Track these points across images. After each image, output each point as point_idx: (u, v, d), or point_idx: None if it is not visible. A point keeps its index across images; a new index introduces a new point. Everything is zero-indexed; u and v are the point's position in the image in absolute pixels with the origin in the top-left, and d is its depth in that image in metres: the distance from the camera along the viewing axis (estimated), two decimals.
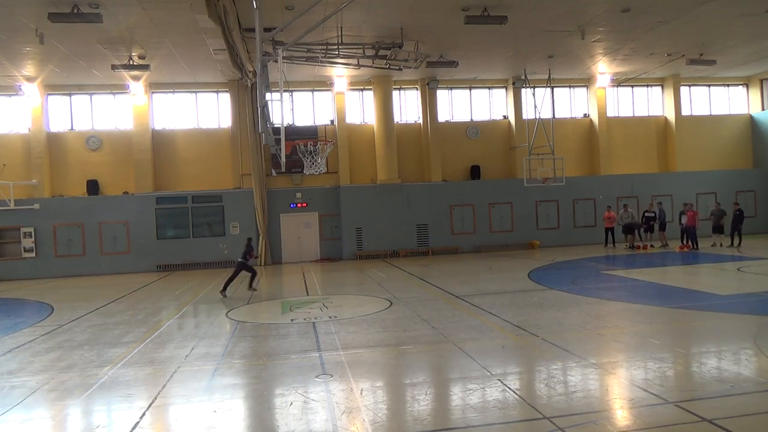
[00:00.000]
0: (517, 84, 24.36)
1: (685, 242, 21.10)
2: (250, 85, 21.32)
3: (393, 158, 23.64)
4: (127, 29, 16.16)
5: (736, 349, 7.38)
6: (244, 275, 14.70)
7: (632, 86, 26.31)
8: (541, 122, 23.64)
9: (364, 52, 18.23)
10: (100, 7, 14.14)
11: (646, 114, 26.71)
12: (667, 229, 22.36)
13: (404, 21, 16.60)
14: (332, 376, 6.82)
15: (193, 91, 23.58)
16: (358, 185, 23.78)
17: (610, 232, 22.84)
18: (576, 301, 11.28)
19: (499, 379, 6.47)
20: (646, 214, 21.99)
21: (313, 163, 16.44)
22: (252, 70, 18.30)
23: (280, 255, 23.28)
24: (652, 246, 21.70)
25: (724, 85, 27.26)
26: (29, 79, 20.98)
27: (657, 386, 5.96)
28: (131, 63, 18.93)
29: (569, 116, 26.00)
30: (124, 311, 12.67)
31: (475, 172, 24.83)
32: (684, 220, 20.99)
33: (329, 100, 24.19)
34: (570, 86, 25.91)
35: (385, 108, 23.48)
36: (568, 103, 26.09)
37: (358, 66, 19.25)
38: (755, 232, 25.18)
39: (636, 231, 21.92)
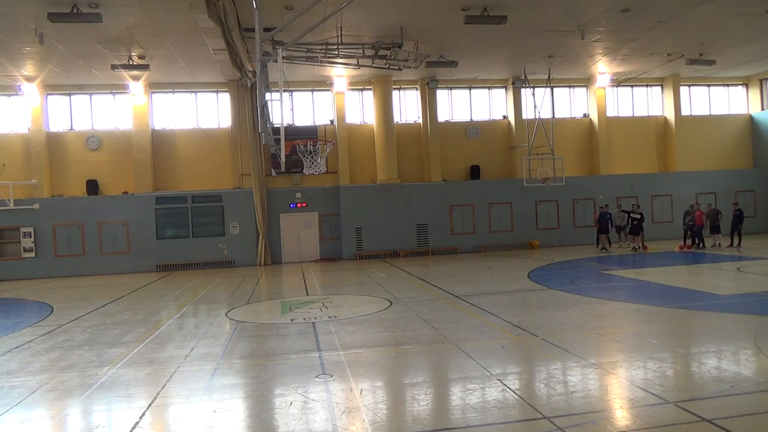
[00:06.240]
0: (516, 84, 24.35)
1: (685, 242, 21.08)
2: (249, 85, 21.29)
3: (393, 158, 23.63)
4: (126, 29, 16.15)
5: (736, 349, 7.38)
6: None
7: (632, 86, 26.30)
8: (541, 122, 23.65)
9: (363, 52, 18.23)
10: (99, 6, 14.13)
11: (646, 114, 26.70)
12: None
13: (404, 21, 16.59)
14: (332, 376, 6.81)
15: (193, 91, 23.56)
16: (357, 185, 23.77)
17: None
18: (576, 301, 11.27)
19: (498, 379, 6.46)
20: (632, 215, 21.86)
21: (312, 163, 16.45)
22: (252, 70, 18.30)
23: (280, 255, 23.26)
24: (645, 247, 21.26)
25: (723, 85, 27.26)
26: (29, 79, 20.97)
27: (657, 386, 5.95)
28: (131, 63, 18.92)
29: (569, 116, 25.99)
30: (124, 311, 12.66)
31: (474, 172, 24.82)
32: (688, 220, 20.96)
33: (329, 100, 24.18)
34: (570, 86, 25.90)
35: (385, 108, 23.46)
36: (568, 103, 26.08)
37: (358, 66, 19.25)
38: (755, 232, 25.18)
39: (622, 231, 21.95)
